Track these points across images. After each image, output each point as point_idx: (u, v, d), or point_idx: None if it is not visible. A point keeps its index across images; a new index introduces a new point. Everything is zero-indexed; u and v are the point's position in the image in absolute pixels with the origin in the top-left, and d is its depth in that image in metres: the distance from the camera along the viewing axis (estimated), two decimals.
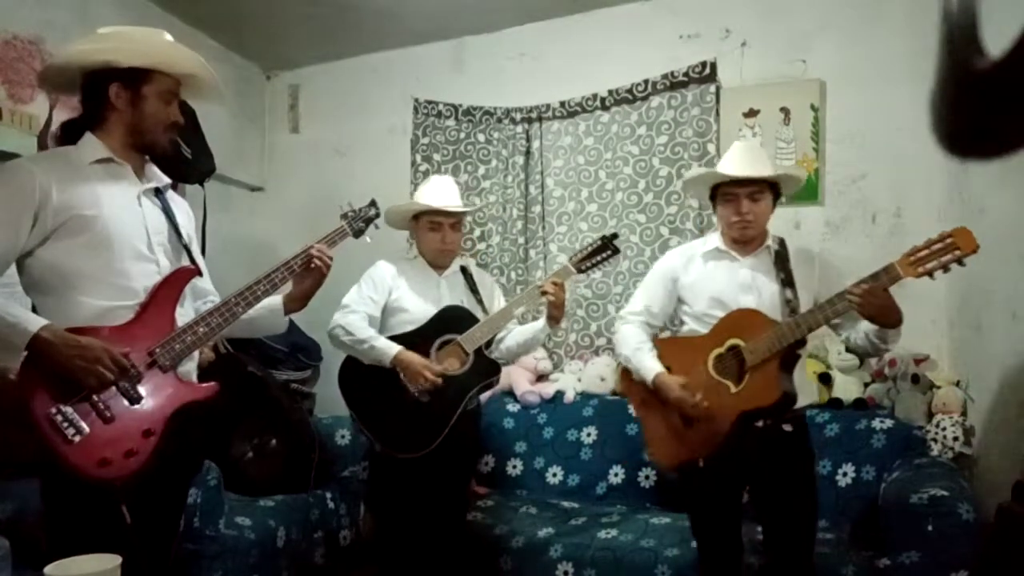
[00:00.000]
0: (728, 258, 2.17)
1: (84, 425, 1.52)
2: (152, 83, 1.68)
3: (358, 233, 2.08)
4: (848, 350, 2.78)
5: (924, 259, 1.82)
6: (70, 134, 1.72)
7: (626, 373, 2.30)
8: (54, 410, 1.50)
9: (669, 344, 2.27)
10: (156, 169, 1.80)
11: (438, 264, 2.57)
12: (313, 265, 1.83)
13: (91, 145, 1.67)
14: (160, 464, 1.61)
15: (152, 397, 1.61)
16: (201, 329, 1.68)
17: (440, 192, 2.54)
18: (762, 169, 2.10)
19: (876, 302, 1.85)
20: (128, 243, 1.65)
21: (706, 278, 2.18)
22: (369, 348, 2.36)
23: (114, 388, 1.56)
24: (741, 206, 2.08)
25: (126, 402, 1.57)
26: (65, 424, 1.50)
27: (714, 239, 2.23)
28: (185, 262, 1.78)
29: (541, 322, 2.49)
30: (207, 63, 1.76)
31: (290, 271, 1.81)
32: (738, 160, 2.13)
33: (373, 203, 2.16)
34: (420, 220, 2.53)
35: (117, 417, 1.56)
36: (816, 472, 2.19)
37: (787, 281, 2.08)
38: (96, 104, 1.68)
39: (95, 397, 1.54)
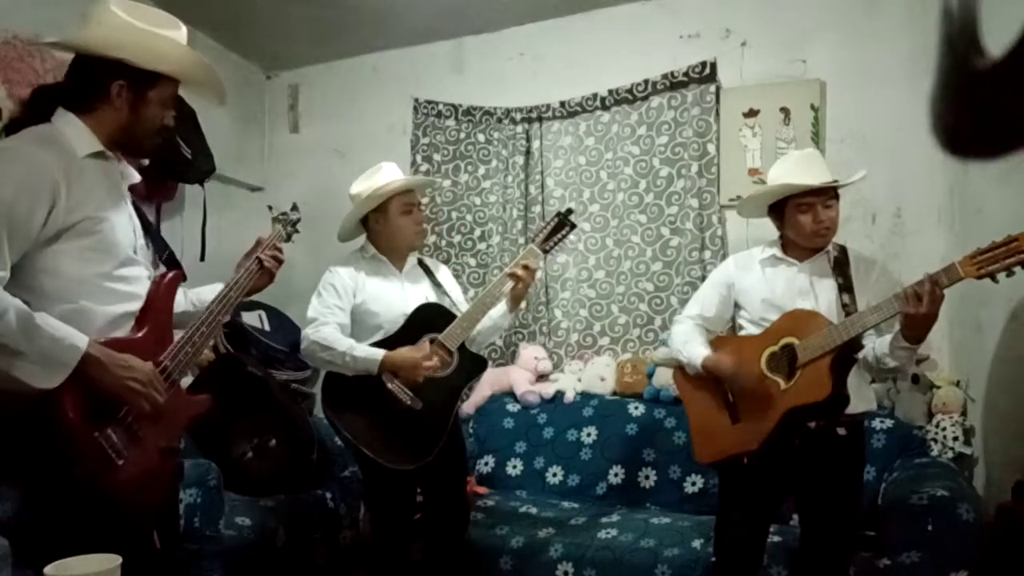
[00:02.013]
0: (786, 263, 2.18)
1: (122, 448, 1.43)
2: (158, 88, 1.57)
3: (289, 236, 2.05)
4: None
5: (986, 261, 1.78)
6: (41, 103, 1.54)
7: (680, 369, 2.29)
8: (97, 434, 1.40)
9: (723, 342, 2.27)
10: (128, 166, 1.66)
11: (413, 249, 2.49)
12: (264, 266, 1.82)
13: (82, 134, 1.51)
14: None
15: (168, 414, 1.53)
16: (196, 339, 1.63)
17: (397, 172, 2.46)
18: (837, 175, 2.09)
19: (927, 303, 1.81)
20: (125, 245, 1.56)
21: (763, 283, 2.18)
22: (351, 359, 2.22)
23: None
24: (819, 214, 2.08)
25: (149, 421, 1.49)
26: (109, 448, 1.41)
27: (770, 248, 2.22)
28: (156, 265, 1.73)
29: (502, 307, 2.42)
30: (213, 66, 1.68)
31: (251, 275, 1.79)
32: (807, 170, 2.11)
33: (295, 207, 2.14)
34: (389, 206, 2.37)
35: (145, 438, 1.49)
36: (862, 481, 2.16)
37: (845, 286, 2.07)
38: (88, 91, 1.53)
39: (130, 418, 1.45)
